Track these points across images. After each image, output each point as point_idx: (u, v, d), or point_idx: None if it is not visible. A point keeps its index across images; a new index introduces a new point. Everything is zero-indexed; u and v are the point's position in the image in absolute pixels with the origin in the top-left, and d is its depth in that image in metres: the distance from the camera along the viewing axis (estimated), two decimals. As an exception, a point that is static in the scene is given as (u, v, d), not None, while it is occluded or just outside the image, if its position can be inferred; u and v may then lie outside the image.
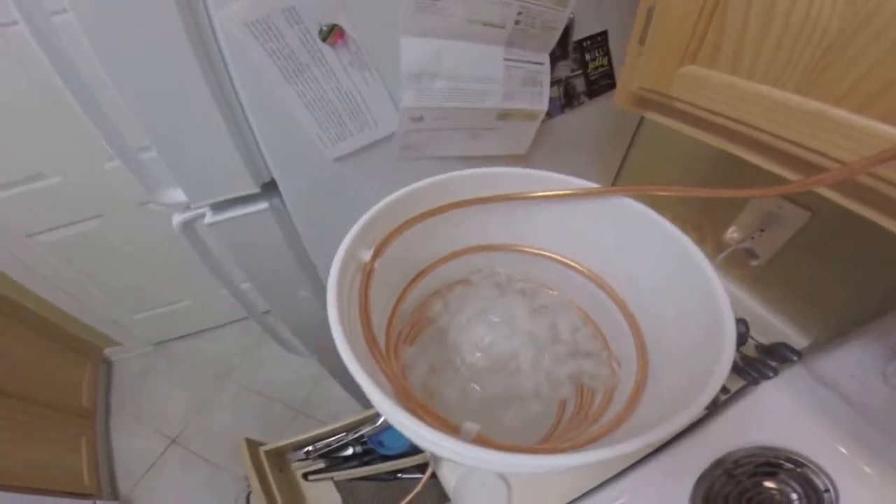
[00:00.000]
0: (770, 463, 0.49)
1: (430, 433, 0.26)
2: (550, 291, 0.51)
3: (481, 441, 0.35)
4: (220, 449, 1.51)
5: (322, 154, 0.50)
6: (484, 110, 0.54)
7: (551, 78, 0.57)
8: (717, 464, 0.50)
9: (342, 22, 0.43)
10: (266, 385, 1.66)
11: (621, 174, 0.83)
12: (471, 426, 0.34)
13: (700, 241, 0.69)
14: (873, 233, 0.33)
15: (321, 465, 0.88)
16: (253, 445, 0.88)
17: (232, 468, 1.44)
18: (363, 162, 0.53)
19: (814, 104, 0.27)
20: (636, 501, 0.50)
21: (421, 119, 0.52)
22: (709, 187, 0.36)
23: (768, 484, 0.48)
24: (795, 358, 0.53)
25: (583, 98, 0.62)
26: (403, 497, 0.65)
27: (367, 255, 0.38)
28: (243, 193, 0.51)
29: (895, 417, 0.45)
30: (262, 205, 0.53)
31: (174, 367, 1.77)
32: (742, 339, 0.59)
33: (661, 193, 0.39)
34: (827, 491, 0.46)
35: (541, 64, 0.55)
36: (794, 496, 0.47)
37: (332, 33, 0.43)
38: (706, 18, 0.31)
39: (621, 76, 0.40)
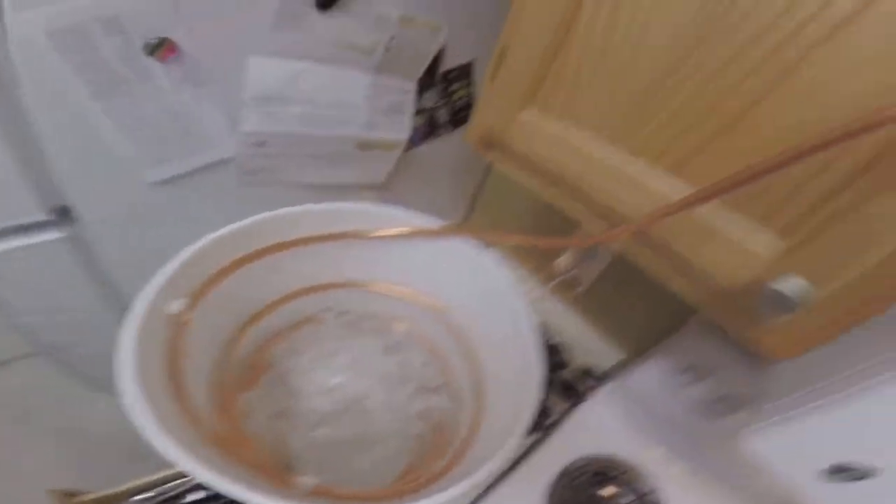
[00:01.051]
0: (601, 472, 0.57)
1: (248, 493, 0.24)
2: (401, 327, 0.51)
3: (321, 493, 0.34)
4: None
5: (137, 177, 0.43)
6: (342, 138, 0.51)
7: (416, 107, 0.57)
8: (562, 475, 0.56)
9: (176, 36, 0.37)
10: (83, 425, 1.38)
11: (477, 204, 0.88)
12: (306, 480, 0.32)
13: (537, 270, 0.78)
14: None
15: (158, 516, 0.76)
16: (65, 497, 0.72)
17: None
18: (196, 186, 0.47)
19: (617, 158, 0.32)
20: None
21: (264, 144, 0.47)
22: (530, 234, 0.40)
23: (603, 491, 0.56)
24: (602, 379, 0.63)
25: (448, 127, 0.63)
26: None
27: (177, 307, 0.33)
28: (27, 221, 0.40)
29: (692, 422, 0.56)
30: (53, 234, 0.43)
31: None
32: (561, 363, 0.68)
33: (485, 238, 0.43)
34: (650, 493, 0.54)
35: (407, 92, 0.54)
36: (625, 500, 0.55)
37: (161, 48, 0.37)
38: (546, 65, 0.33)
39: (474, 114, 0.41)
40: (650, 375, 0.57)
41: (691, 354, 0.52)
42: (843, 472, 0.29)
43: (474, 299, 0.44)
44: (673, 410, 0.56)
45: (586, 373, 0.65)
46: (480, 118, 0.40)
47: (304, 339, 0.46)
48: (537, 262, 0.76)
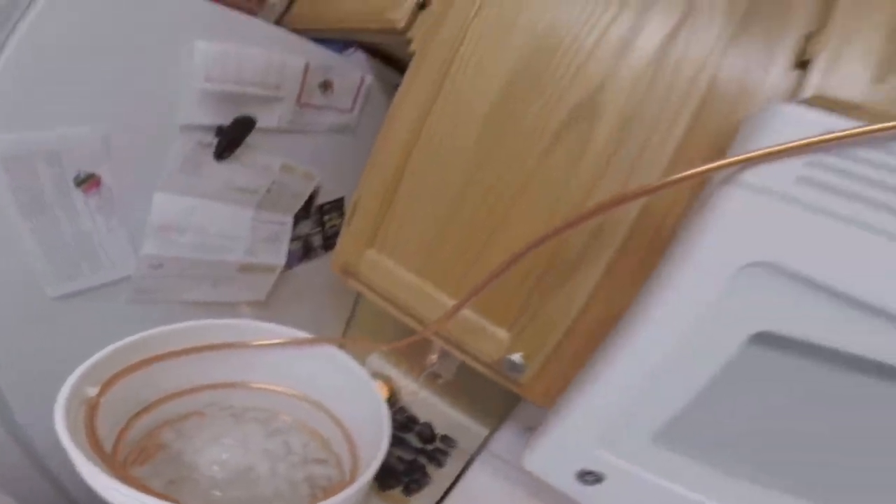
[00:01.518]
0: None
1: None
2: (283, 416, 0.57)
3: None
4: None
5: (39, 290, 0.47)
6: (226, 262, 0.60)
7: (293, 235, 0.69)
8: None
9: (101, 172, 0.45)
10: None
11: (357, 313, 0.99)
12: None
13: (410, 369, 0.90)
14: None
15: None
16: None
17: None
18: (90, 301, 0.51)
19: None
20: None
21: (161, 266, 0.54)
22: (380, 341, 0.54)
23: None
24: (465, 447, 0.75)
25: (319, 251, 0.76)
26: None
27: (91, 391, 0.39)
28: None
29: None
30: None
31: None
32: (431, 437, 0.80)
33: (343, 344, 0.55)
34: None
35: (284, 224, 0.66)
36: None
37: (87, 181, 0.44)
38: (382, 215, 0.50)
39: (336, 249, 0.55)
40: (506, 438, 0.68)
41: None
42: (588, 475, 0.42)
43: (342, 391, 0.53)
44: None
45: (450, 443, 0.75)
46: (339, 253, 0.55)
47: (191, 427, 0.50)
48: (410, 362, 0.87)
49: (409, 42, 0.55)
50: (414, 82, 0.51)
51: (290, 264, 0.69)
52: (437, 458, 0.76)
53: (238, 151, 0.57)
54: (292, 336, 0.53)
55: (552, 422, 0.41)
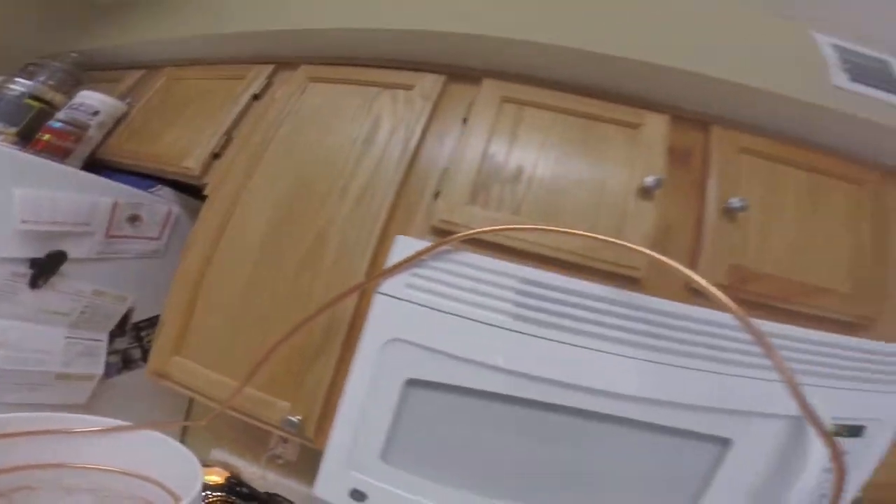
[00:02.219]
0: None
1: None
2: (114, 487, 0.61)
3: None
4: None
5: None
6: (43, 373, 0.67)
7: (112, 348, 0.76)
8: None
9: None
10: None
11: (192, 408, 1.05)
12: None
13: (255, 457, 0.97)
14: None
15: None
16: None
17: None
18: None
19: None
20: None
21: None
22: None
23: None
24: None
25: (140, 363, 0.83)
26: None
27: None
28: None
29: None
30: None
31: None
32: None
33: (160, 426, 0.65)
34: None
35: (100, 341, 0.74)
36: None
37: None
38: (184, 328, 0.64)
39: (150, 359, 0.67)
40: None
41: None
42: (356, 493, 0.56)
43: (165, 462, 0.61)
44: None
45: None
46: (152, 362, 0.67)
47: (21, 498, 0.54)
48: (253, 451, 0.95)
49: (203, 186, 0.72)
50: (205, 219, 0.68)
51: (109, 374, 0.76)
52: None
53: (52, 279, 0.66)
54: (112, 424, 0.61)
55: (324, 455, 0.56)
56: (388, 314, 0.51)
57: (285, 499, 0.90)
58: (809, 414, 0.37)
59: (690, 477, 0.50)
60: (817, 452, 0.46)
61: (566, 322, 0.48)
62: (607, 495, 0.51)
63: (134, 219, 0.76)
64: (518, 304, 0.49)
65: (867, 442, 0.49)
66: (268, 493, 0.90)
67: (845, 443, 0.48)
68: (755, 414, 0.48)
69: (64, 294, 0.68)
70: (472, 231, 0.53)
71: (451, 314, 0.50)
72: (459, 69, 0.68)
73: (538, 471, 0.52)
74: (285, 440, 0.95)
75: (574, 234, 0.49)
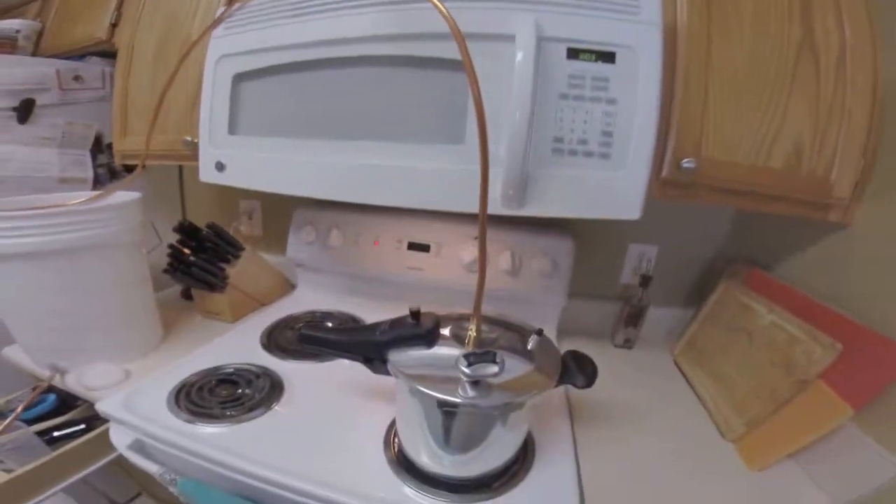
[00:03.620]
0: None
1: None
2: None
3: None
4: None
5: None
6: (47, 177, 1.06)
7: (97, 163, 1.15)
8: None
9: None
10: None
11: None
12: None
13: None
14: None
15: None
16: None
17: None
18: None
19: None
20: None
21: (2, 182, 0.99)
22: None
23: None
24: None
25: (122, 174, 1.20)
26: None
27: None
28: None
29: None
30: None
31: None
32: None
33: None
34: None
35: (84, 155, 1.12)
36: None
37: None
38: (123, 124, 1.03)
39: (113, 147, 1.06)
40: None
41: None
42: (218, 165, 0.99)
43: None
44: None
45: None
46: (115, 148, 1.05)
47: None
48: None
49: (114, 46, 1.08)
50: (119, 60, 1.04)
51: (100, 181, 1.15)
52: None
53: (33, 118, 1.04)
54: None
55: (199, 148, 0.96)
56: (215, 47, 0.85)
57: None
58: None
59: (455, 105, 0.58)
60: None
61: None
62: (394, 126, 0.63)
63: (77, 78, 1.12)
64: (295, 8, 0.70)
65: (624, 69, 0.53)
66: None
67: (601, 69, 0.53)
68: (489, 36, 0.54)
69: (46, 126, 1.04)
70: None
71: (251, 27, 0.75)
72: None
73: (342, 113, 0.66)
74: (250, 216, 1.36)
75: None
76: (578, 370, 0.58)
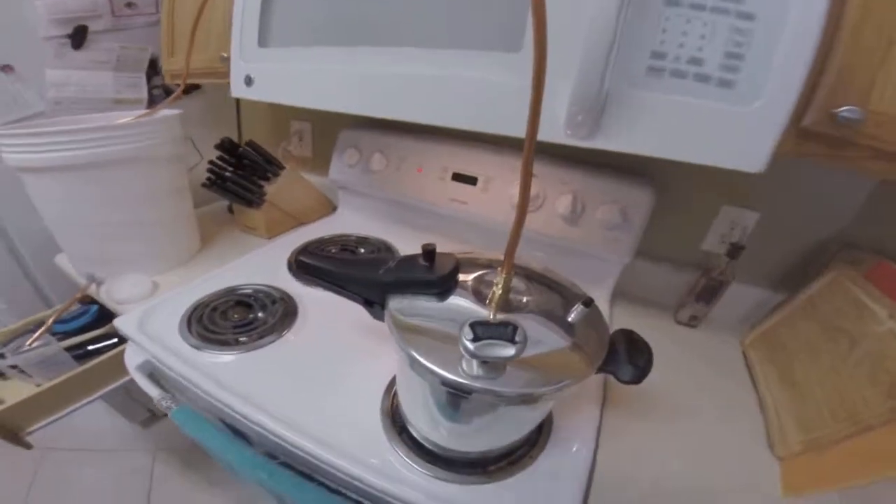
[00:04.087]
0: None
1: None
2: None
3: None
4: None
5: None
6: (103, 99, 1.08)
7: (153, 84, 1.15)
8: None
9: (10, 62, 0.93)
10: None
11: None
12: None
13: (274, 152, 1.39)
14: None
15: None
16: None
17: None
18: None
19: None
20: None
21: (59, 103, 1.03)
22: None
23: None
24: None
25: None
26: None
27: None
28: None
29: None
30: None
31: None
32: None
33: None
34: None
35: (138, 77, 1.13)
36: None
37: (5, 67, 0.92)
38: (171, 46, 1.00)
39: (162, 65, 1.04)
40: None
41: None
42: (247, 78, 0.92)
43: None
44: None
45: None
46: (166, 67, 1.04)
47: None
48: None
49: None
50: None
51: (156, 102, 1.16)
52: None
53: (87, 44, 1.05)
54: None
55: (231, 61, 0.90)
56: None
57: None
58: None
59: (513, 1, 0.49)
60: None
61: None
62: (438, 28, 0.55)
63: (129, 4, 1.10)
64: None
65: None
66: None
67: None
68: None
69: (100, 51, 1.04)
70: None
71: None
72: None
73: (379, 14, 0.60)
74: (300, 137, 1.33)
75: None
76: (628, 359, 0.44)
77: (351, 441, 0.53)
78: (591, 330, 0.44)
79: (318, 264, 0.52)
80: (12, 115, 0.96)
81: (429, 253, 0.46)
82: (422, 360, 0.39)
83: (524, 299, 0.45)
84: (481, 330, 0.36)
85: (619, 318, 0.84)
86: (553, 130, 0.47)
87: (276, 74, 0.75)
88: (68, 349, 0.81)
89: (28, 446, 0.76)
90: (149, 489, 1.46)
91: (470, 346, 0.35)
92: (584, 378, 0.40)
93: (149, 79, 1.15)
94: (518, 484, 0.50)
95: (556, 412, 0.58)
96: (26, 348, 0.76)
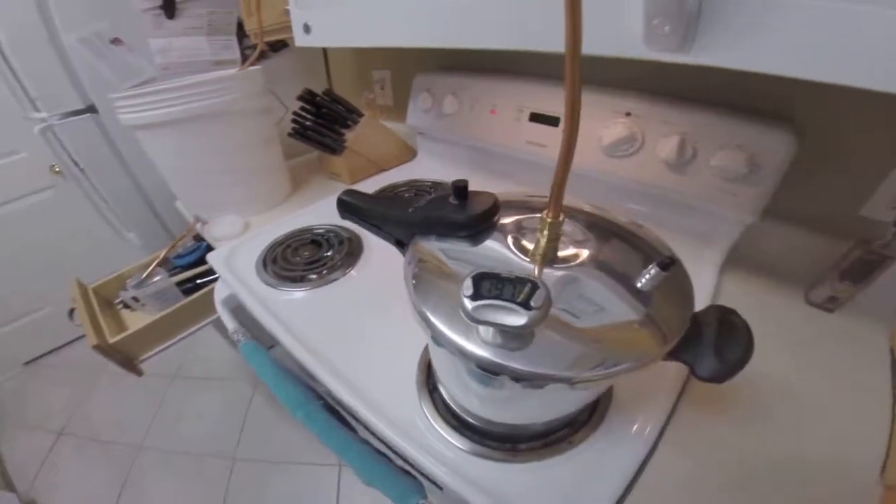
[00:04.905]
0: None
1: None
2: None
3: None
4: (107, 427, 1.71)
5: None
6: (203, 61, 1.18)
7: (244, 46, 1.24)
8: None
9: (120, 36, 1.06)
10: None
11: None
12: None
13: (357, 103, 1.42)
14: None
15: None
16: (82, 285, 1.01)
17: (122, 440, 1.65)
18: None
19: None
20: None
21: (167, 68, 1.14)
22: None
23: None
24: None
25: (268, 54, 1.29)
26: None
27: None
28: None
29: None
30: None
31: (50, 377, 1.95)
32: None
33: None
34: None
35: (230, 39, 1.22)
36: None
37: (115, 41, 1.04)
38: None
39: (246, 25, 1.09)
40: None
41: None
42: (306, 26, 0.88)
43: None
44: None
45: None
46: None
47: None
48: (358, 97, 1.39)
49: None
50: None
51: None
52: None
53: (179, 13, 1.13)
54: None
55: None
56: None
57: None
58: None
59: None
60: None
61: None
62: None
63: None
64: None
65: None
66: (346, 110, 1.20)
67: None
68: None
69: (192, 17, 1.13)
70: None
71: None
72: None
73: None
74: (382, 86, 1.34)
75: None
76: (713, 348, 0.31)
77: (386, 393, 0.52)
78: (668, 301, 0.33)
79: (355, 202, 0.49)
80: (129, 81, 1.12)
81: (460, 189, 0.40)
82: (427, 312, 0.33)
83: (582, 252, 0.36)
84: (488, 285, 0.29)
85: (727, 292, 0.67)
86: (629, 40, 0.35)
87: (331, 18, 0.74)
88: (180, 283, 0.95)
89: (140, 373, 0.90)
90: (244, 416, 1.71)
91: (468, 304, 0.28)
92: (648, 363, 0.30)
93: (240, 40, 1.21)
94: (546, 470, 0.43)
95: (620, 390, 0.49)
96: (145, 283, 0.89)
